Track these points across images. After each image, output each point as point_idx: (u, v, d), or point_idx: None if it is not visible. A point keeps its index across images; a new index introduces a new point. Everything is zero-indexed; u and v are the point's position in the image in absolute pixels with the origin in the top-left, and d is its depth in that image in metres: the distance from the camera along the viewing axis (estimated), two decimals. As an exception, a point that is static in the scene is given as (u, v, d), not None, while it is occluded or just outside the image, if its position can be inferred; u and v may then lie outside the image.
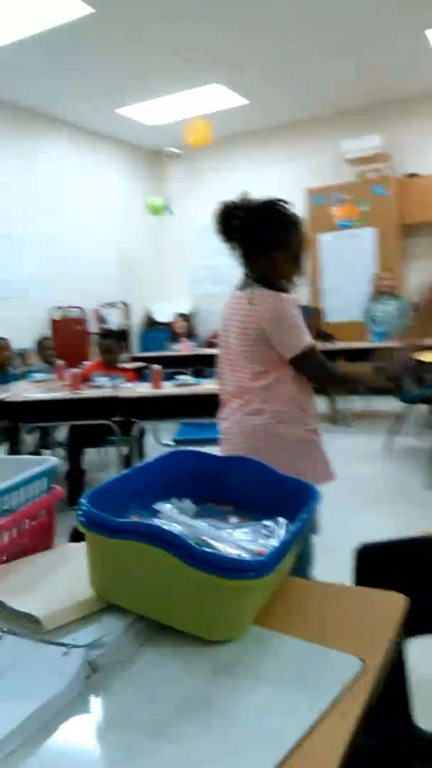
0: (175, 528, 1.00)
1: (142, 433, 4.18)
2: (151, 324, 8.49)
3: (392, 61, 6.16)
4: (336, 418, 6.10)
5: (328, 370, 1.87)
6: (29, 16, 4.56)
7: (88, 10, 4.53)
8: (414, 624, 1.14)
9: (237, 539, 1.02)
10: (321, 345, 6.27)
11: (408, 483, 4.07)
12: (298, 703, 0.75)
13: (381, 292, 6.16)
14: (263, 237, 1.84)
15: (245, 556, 0.94)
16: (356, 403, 6.34)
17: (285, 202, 1.87)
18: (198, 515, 1.13)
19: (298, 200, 7.54)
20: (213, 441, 3.79)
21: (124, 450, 3.90)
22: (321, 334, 6.63)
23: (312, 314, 7.09)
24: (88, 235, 7.55)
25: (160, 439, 4.89)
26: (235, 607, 0.87)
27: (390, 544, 1.14)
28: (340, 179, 7.38)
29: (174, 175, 7.61)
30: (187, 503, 1.15)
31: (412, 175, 7.22)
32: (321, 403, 6.43)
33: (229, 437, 1.92)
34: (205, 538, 0.99)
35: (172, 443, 4.06)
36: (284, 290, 1.87)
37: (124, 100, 6.69)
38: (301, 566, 1.86)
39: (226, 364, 1.94)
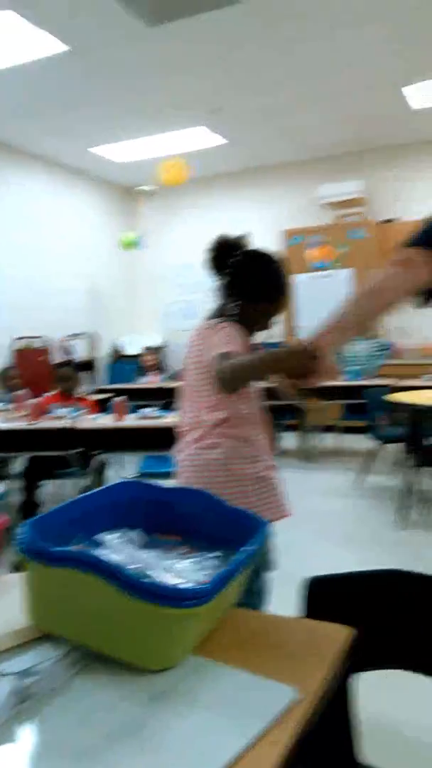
0: (117, 557, 1.00)
1: (104, 465, 4.15)
2: (119, 356, 8.50)
3: (370, 114, 6.39)
4: (306, 455, 6.13)
5: (243, 363, 1.62)
6: (4, 49, 4.63)
7: (63, 48, 4.63)
8: (362, 658, 1.15)
9: (181, 569, 1.02)
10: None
11: (376, 521, 4.08)
12: (229, 729, 0.75)
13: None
14: (260, 285, 1.87)
15: (189, 586, 0.94)
16: (328, 440, 6.38)
17: (280, 261, 1.92)
18: (146, 546, 1.13)
19: (275, 240, 7.73)
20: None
21: (84, 482, 3.86)
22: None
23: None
24: (59, 267, 7.59)
25: (122, 472, 4.86)
26: (173, 635, 0.87)
27: (339, 578, 1.15)
28: (317, 221, 7.57)
29: (148, 211, 7.72)
30: (136, 533, 1.15)
31: (388, 221, 7.45)
32: (291, 440, 6.51)
33: (183, 470, 1.90)
34: (147, 568, 0.99)
35: (135, 476, 4.03)
36: (253, 332, 1.90)
37: (98, 140, 6.79)
38: (254, 602, 1.85)
39: (185, 396, 1.94)
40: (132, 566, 1.00)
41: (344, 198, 7.28)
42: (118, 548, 1.07)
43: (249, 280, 1.87)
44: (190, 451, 1.87)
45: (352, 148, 7.47)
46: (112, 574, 0.84)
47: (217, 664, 0.90)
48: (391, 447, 5.20)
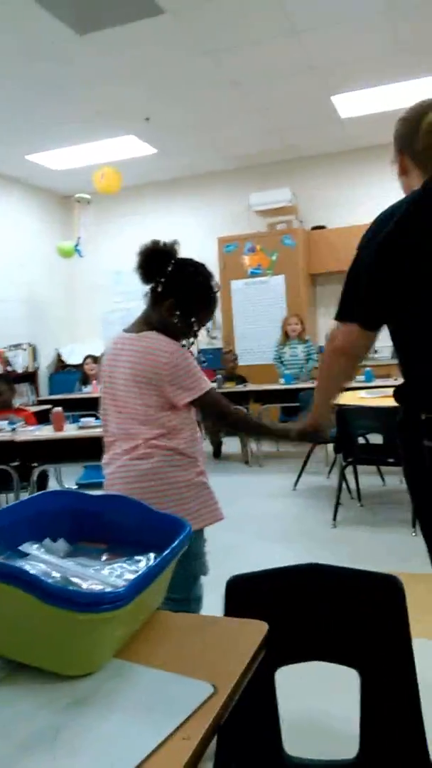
0: (39, 567, 1.01)
1: (45, 477, 4.10)
2: (61, 366, 8.40)
3: (300, 123, 6.56)
4: (247, 459, 6.21)
5: (224, 412, 1.93)
6: None
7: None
8: (283, 652, 1.19)
9: (104, 576, 1.04)
10: (234, 387, 6.42)
11: (313, 519, 4.18)
12: (145, 729, 0.77)
13: (289, 336, 6.40)
14: (192, 294, 1.89)
15: (106, 590, 0.96)
16: (265, 444, 6.48)
17: (209, 272, 1.98)
18: (70, 554, 1.14)
19: (210, 248, 7.80)
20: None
21: (24, 495, 3.81)
22: (234, 377, 6.79)
23: (225, 357, 7.24)
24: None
25: (62, 483, 4.81)
26: (92, 640, 0.89)
27: (257, 575, 1.19)
28: (251, 229, 7.69)
29: (85, 219, 7.69)
30: (60, 543, 1.16)
31: (318, 227, 7.63)
32: (233, 445, 6.58)
33: (113, 482, 1.88)
34: (69, 576, 1.01)
35: (74, 487, 4.00)
36: (180, 339, 1.92)
37: (34, 147, 6.74)
38: (191, 608, 1.87)
39: (110, 406, 1.91)
40: (54, 575, 1.01)
41: (274, 206, 7.43)
42: (40, 558, 1.08)
43: (181, 289, 1.88)
44: (121, 463, 1.86)
45: (281, 156, 7.63)
46: (31, 583, 0.85)
47: (139, 665, 0.92)
48: (329, 447, 5.34)
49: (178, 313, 1.88)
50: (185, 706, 0.81)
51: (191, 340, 1.95)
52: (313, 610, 1.17)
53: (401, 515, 4.01)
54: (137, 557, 1.12)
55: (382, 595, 1.14)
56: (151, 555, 1.12)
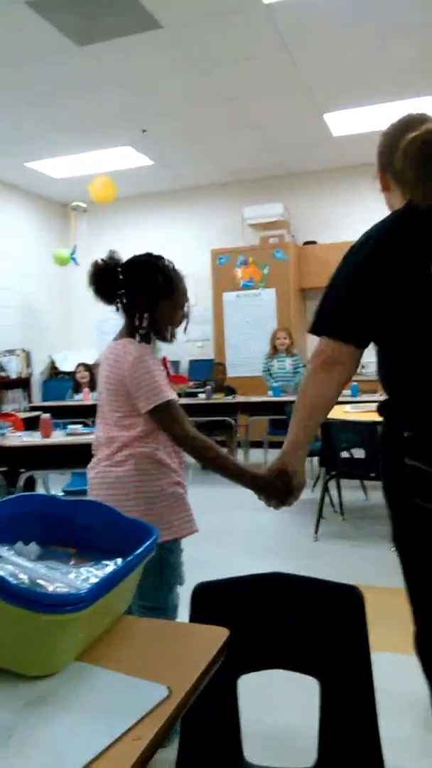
0: (8, 569, 1.03)
1: (31, 483, 4.11)
2: (55, 373, 8.41)
3: (293, 139, 6.64)
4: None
5: (184, 428, 1.80)
6: None
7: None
8: (246, 660, 1.21)
9: (71, 579, 1.06)
10: (222, 398, 6.45)
11: (296, 533, 4.20)
12: (98, 729, 0.79)
13: (277, 350, 6.45)
14: (147, 289, 1.89)
15: (69, 592, 0.98)
16: (252, 457, 6.50)
17: (160, 257, 1.95)
18: (41, 557, 1.16)
19: (203, 260, 7.86)
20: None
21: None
22: (223, 388, 6.83)
23: (215, 368, 7.28)
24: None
25: (49, 490, 4.81)
26: (54, 641, 0.91)
27: (222, 583, 1.21)
28: (244, 242, 7.75)
29: (81, 227, 7.74)
30: (32, 546, 1.18)
31: (310, 243, 7.71)
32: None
33: (94, 488, 1.91)
34: (36, 578, 1.03)
35: (61, 494, 4.01)
36: (164, 339, 1.95)
37: (33, 155, 6.79)
38: (167, 617, 1.89)
39: (98, 413, 1.97)
40: (21, 577, 1.03)
41: (267, 220, 7.49)
42: (10, 560, 1.10)
43: (139, 287, 1.89)
44: (100, 469, 1.89)
45: (275, 172, 7.72)
46: (-6, 584, 0.87)
47: (99, 668, 0.94)
48: (315, 461, 5.36)
49: (146, 315, 1.88)
50: (139, 708, 0.83)
51: (173, 335, 1.95)
52: (275, 618, 1.19)
53: (383, 530, 4.03)
54: (105, 562, 1.15)
55: (343, 605, 1.16)
56: (119, 560, 1.14)
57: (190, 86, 5.20)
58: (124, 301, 1.90)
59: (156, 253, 1.99)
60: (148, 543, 1.12)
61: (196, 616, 1.18)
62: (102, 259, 1.92)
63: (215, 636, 1.02)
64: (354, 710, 1.13)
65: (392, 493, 1.57)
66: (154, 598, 1.88)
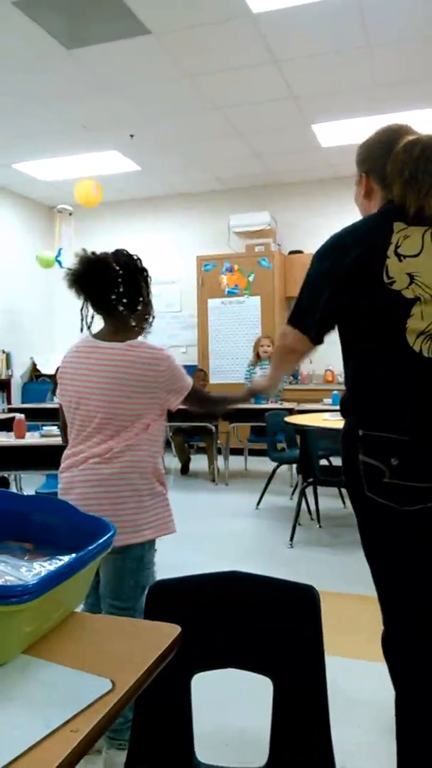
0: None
1: (5, 484, 4.07)
2: (36, 375, 8.36)
3: (281, 149, 6.69)
4: (214, 477, 6.21)
5: (212, 398, 2.23)
6: None
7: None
8: (200, 658, 1.21)
9: (21, 573, 1.05)
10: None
11: (272, 540, 4.19)
12: (35, 720, 0.78)
13: (260, 357, 6.46)
14: (141, 286, 1.93)
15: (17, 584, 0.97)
16: (233, 463, 6.50)
17: (126, 252, 1.95)
18: (-6, 552, 1.15)
19: (189, 266, 7.88)
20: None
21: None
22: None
23: (196, 375, 7.28)
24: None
25: (22, 490, 4.78)
26: (-2, 633, 0.90)
27: (178, 581, 1.21)
28: (230, 250, 7.78)
29: (66, 231, 7.73)
30: (-14, 540, 1.17)
31: (296, 252, 7.75)
32: (200, 462, 6.58)
33: (74, 486, 1.87)
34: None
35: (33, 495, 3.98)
36: (144, 331, 1.98)
37: (20, 156, 6.79)
38: (137, 618, 1.88)
39: (72, 412, 1.91)
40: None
41: (253, 228, 7.53)
42: (-39, 554, 1.09)
43: (138, 285, 1.92)
44: (84, 467, 1.86)
45: (262, 180, 7.77)
46: None
47: (44, 661, 0.93)
48: (293, 468, 5.37)
49: (146, 315, 1.97)
50: (80, 701, 0.82)
51: (151, 318, 2.02)
52: (230, 617, 1.19)
53: (359, 538, 4.03)
54: (60, 557, 1.14)
55: (298, 606, 1.16)
56: (74, 555, 1.13)
57: (178, 93, 5.23)
58: (124, 300, 1.89)
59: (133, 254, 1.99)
60: (103, 539, 1.11)
61: (150, 614, 1.17)
62: (94, 255, 1.91)
63: (166, 633, 1.01)
64: (306, 711, 1.12)
65: (351, 491, 1.62)
66: (127, 598, 1.87)
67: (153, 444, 1.90)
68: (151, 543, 1.92)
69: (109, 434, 1.85)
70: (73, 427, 1.92)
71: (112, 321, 1.93)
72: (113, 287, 1.89)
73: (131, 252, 1.97)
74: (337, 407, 5.20)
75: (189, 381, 1.95)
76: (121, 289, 1.88)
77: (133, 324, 1.94)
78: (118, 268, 1.88)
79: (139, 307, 1.94)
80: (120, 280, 1.88)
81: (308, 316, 1.63)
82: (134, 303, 1.91)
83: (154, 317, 2.02)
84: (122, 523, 1.79)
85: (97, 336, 1.93)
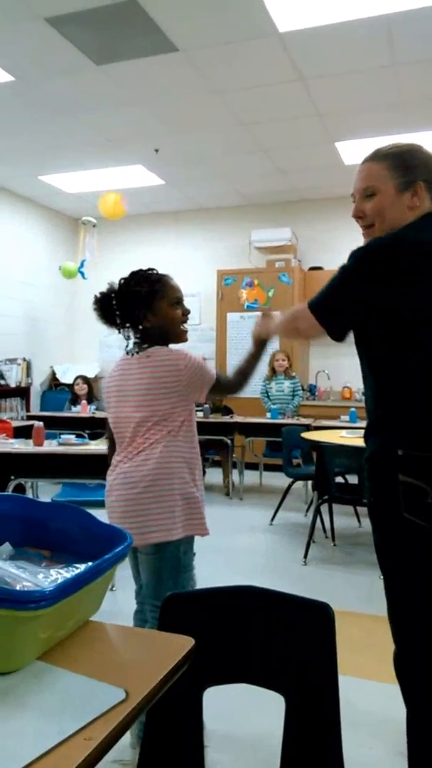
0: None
1: (22, 491, 4.10)
2: (55, 384, 8.43)
3: (304, 166, 6.72)
4: (228, 491, 6.20)
5: (233, 383, 2.14)
6: None
7: (8, 78, 4.72)
8: (212, 672, 1.20)
9: (39, 579, 1.06)
10: (220, 418, 6.44)
11: (284, 556, 4.17)
12: (49, 727, 0.78)
13: (276, 372, 6.46)
14: (137, 301, 2.01)
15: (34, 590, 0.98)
16: (248, 478, 6.48)
17: (147, 270, 2.07)
18: (12, 558, 1.16)
19: (209, 279, 7.92)
20: (97, 504, 3.78)
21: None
22: (220, 408, 6.82)
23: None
24: (-1, 290, 7.56)
25: (37, 499, 4.81)
26: (14, 638, 0.91)
27: (193, 594, 1.21)
28: (251, 264, 7.81)
29: (90, 242, 7.82)
30: (5, 546, 1.18)
31: (316, 268, 7.76)
32: (216, 476, 6.58)
33: (112, 489, 2.00)
34: (4, 576, 1.03)
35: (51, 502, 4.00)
36: (180, 338, 2.07)
37: (47, 169, 6.90)
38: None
39: (113, 424, 2.06)
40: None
41: (275, 244, 7.55)
42: (-21, 558, 1.10)
43: (133, 302, 2.01)
44: (121, 470, 1.98)
45: (285, 197, 7.80)
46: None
47: (59, 668, 0.94)
48: (309, 485, 5.34)
49: (147, 319, 2.02)
50: (94, 709, 0.83)
51: (185, 331, 2.09)
52: (244, 631, 1.18)
53: (373, 558, 3.97)
54: (76, 565, 1.15)
55: (313, 623, 1.16)
56: (91, 564, 1.14)
57: (204, 109, 5.29)
58: (121, 319, 2.03)
59: (157, 271, 2.11)
60: (119, 549, 1.12)
61: (165, 626, 1.17)
62: (100, 292, 2.08)
63: (180, 644, 1.01)
64: (319, 730, 1.11)
65: (382, 512, 1.56)
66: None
67: (185, 446, 1.98)
68: (187, 544, 1.99)
69: (140, 441, 1.96)
70: (116, 437, 2.08)
71: (138, 336, 2.06)
72: (113, 311, 2.05)
73: (143, 268, 2.08)
74: (355, 424, 5.18)
75: (211, 374, 2.01)
76: (117, 311, 2.04)
77: (156, 335, 2.03)
78: (113, 294, 2.05)
79: (148, 319, 2.01)
80: (114, 303, 2.04)
81: (339, 313, 1.57)
82: (135, 317, 2.02)
83: (182, 323, 2.07)
84: (154, 523, 1.91)
85: (129, 352, 2.07)
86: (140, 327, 2.02)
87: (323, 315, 1.58)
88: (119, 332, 2.06)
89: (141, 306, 2.00)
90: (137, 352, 2.02)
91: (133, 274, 2.07)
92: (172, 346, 2.05)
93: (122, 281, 2.06)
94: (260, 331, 2.14)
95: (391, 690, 1.61)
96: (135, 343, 2.06)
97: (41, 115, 5.46)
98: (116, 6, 3.82)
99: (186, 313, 2.09)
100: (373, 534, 1.62)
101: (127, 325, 2.04)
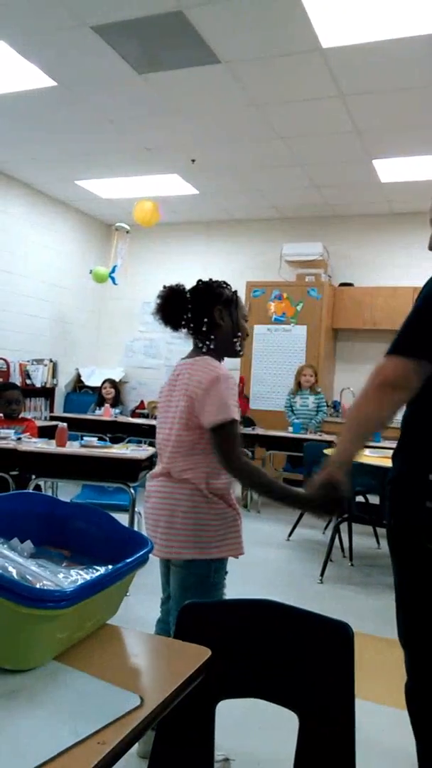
0: (-1, 561, 1.04)
1: (40, 489, 4.12)
2: (80, 386, 8.50)
3: (340, 182, 6.71)
4: (247, 504, 6.17)
5: (236, 451, 1.80)
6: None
7: (51, 83, 4.80)
8: (226, 685, 1.19)
9: (59, 579, 1.06)
10: (242, 429, 6.42)
11: (299, 573, 4.12)
12: (63, 729, 0.78)
13: (301, 386, 6.42)
14: (219, 301, 1.97)
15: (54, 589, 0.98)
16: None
17: (221, 282, 2.03)
18: (33, 556, 1.16)
19: (238, 291, 7.92)
20: (115, 507, 3.78)
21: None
22: (243, 419, 6.81)
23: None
24: (28, 290, 7.64)
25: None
26: (33, 636, 0.90)
27: (211, 605, 1.20)
28: (280, 277, 7.81)
29: (122, 248, 7.90)
30: (26, 544, 1.18)
31: (346, 284, 7.73)
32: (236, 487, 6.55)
33: (149, 496, 1.98)
34: (25, 574, 1.03)
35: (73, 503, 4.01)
36: (234, 353, 2.01)
37: (84, 174, 6.99)
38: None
39: (161, 429, 2.00)
40: (11, 570, 1.03)
41: (306, 258, 7.54)
42: (2, 554, 1.10)
43: (208, 309, 1.96)
44: (157, 481, 1.96)
45: (318, 211, 7.79)
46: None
47: (75, 670, 0.94)
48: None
49: (215, 329, 1.96)
50: (108, 713, 0.82)
51: (242, 347, 2.03)
52: (260, 646, 1.17)
53: (390, 580, 3.93)
54: (96, 567, 1.14)
55: (331, 642, 1.14)
56: (111, 567, 1.13)
57: (242, 121, 5.32)
58: (191, 316, 1.97)
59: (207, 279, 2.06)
60: (139, 554, 1.12)
61: (181, 635, 1.16)
62: (169, 286, 2.01)
63: (196, 654, 1.00)
64: (332, 752, 1.09)
65: (402, 537, 1.53)
66: None
67: (214, 465, 1.87)
68: (219, 564, 1.93)
69: (175, 453, 1.91)
70: (158, 445, 2.03)
71: (200, 339, 2.00)
72: (182, 306, 1.98)
73: (217, 280, 2.04)
74: (378, 444, 5.11)
75: (222, 416, 1.78)
76: (188, 315, 1.97)
77: (211, 345, 1.97)
78: (187, 295, 1.99)
79: (204, 328, 1.96)
80: (190, 306, 1.97)
81: (417, 338, 1.43)
82: (209, 317, 1.96)
83: (238, 338, 2.02)
84: (183, 538, 1.86)
85: (184, 358, 2.03)
86: (204, 330, 1.95)
87: (410, 350, 1.43)
88: (176, 330, 1.99)
89: (221, 306, 1.96)
90: (190, 357, 1.98)
91: (211, 280, 2.02)
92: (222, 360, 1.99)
93: (199, 282, 2.01)
94: (326, 477, 1.57)
95: (402, 717, 1.57)
96: (193, 349, 2.02)
97: (82, 121, 5.53)
98: (162, 16, 3.87)
99: (247, 333, 2.06)
100: (391, 557, 1.59)
101: (191, 324, 1.97)
